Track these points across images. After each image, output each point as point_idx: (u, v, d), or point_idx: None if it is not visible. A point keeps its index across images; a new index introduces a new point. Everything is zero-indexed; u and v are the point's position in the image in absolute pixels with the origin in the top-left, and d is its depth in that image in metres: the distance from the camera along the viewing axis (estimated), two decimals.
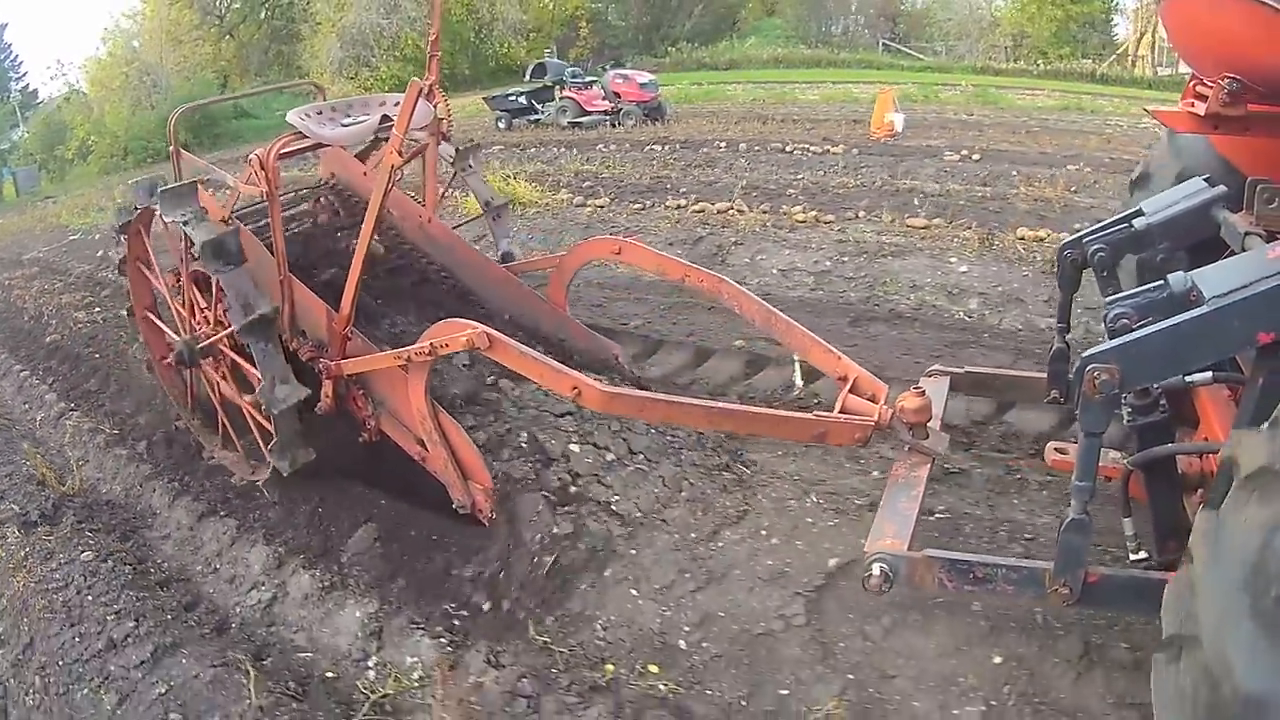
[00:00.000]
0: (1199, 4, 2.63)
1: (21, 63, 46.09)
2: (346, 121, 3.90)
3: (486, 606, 3.30)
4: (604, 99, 18.61)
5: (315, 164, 5.88)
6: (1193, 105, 2.81)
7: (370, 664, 3.11)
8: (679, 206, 8.93)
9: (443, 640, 3.12)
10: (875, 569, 2.49)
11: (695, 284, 3.99)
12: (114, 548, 4.07)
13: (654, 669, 2.95)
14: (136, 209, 4.18)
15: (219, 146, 28.04)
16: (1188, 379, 2.58)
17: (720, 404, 3.76)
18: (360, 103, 4.11)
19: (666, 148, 13.59)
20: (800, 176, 10.08)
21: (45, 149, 33.95)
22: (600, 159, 12.98)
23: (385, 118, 3.63)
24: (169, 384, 4.82)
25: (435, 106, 3.86)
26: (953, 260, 6.55)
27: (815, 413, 3.18)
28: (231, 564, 3.84)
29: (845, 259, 6.75)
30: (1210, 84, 2.64)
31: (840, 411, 3.09)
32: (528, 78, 21.37)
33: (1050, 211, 7.80)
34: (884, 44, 39.71)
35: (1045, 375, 3.26)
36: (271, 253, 3.80)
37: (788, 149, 12.04)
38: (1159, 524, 2.63)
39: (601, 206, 9.55)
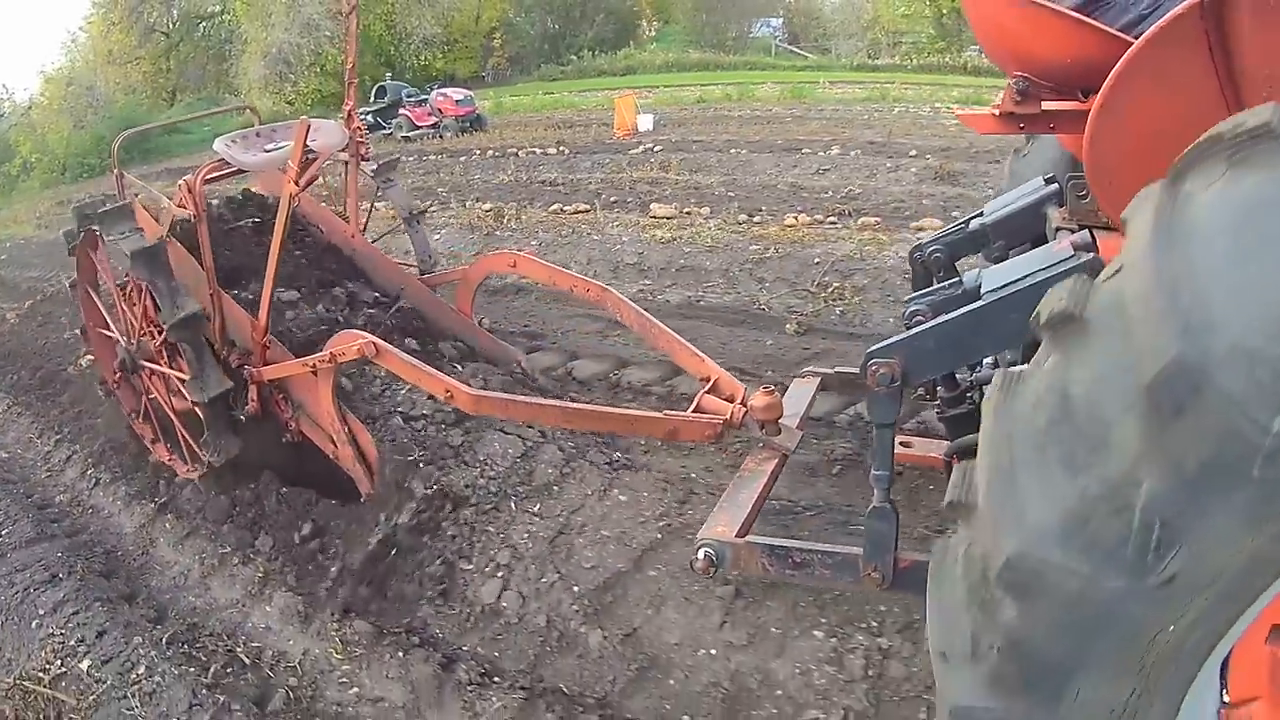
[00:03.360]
0: (985, 4, 2.64)
1: None
2: (269, 148, 4.25)
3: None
4: (430, 115, 21.76)
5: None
6: (998, 106, 2.85)
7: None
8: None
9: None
10: (701, 554, 2.65)
11: (582, 294, 4.32)
12: None
13: None
14: (81, 232, 4.45)
15: (149, 161, 30.67)
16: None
17: (577, 405, 4.14)
18: (285, 128, 4.37)
19: (449, 156, 16.80)
20: (499, 177, 13.19)
21: None
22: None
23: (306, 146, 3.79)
24: (122, 397, 5.03)
25: (352, 130, 4.67)
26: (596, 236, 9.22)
27: (666, 411, 3.39)
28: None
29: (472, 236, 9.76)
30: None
31: (696, 410, 3.29)
32: (373, 99, 24.46)
33: (664, 189, 11.05)
34: (776, 46, 42.56)
35: None
36: (203, 268, 4.06)
37: (521, 152, 15.13)
38: None
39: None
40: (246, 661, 3.38)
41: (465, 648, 3.37)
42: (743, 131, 16.04)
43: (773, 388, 3.15)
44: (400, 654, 3.25)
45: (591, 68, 38.63)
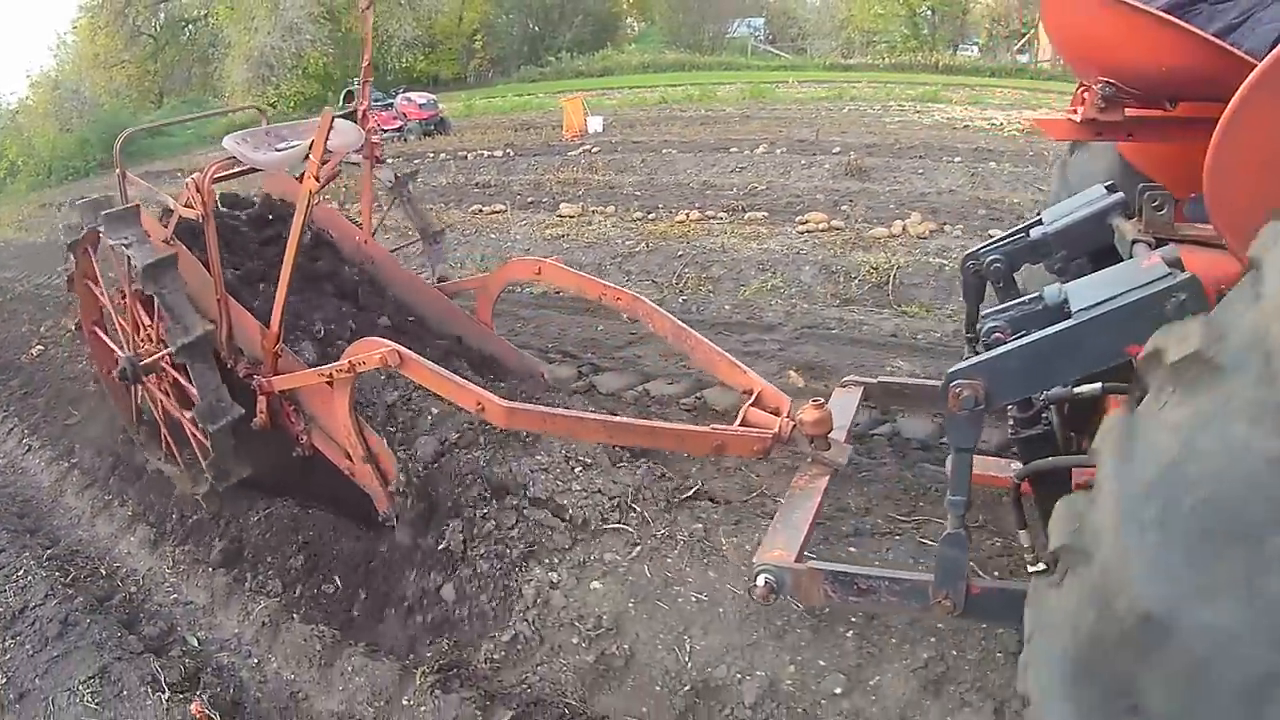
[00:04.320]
0: (1073, 7, 2.57)
1: None
2: (280, 146, 4.10)
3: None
4: (395, 119, 22.47)
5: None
6: (1074, 111, 2.79)
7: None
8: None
9: None
10: (760, 580, 2.54)
11: (612, 302, 4.15)
12: None
13: None
14: (84, 229, 4.28)
15: (134, 162, 31.37)
16: (1076, 392, 2.40)
17: (620, 419, 3.89)
18: (295, 127, 4.29)
19: (404, 159, 17.57)
20: (438, 180, 14.06)
21: None
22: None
23: (306, 149, 3.63)
24: (115, 397, 4.97)
25: (366, 130, 4.46)
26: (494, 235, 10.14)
27: (713, 426, 3.23)
28: None
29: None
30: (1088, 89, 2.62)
31: (741, 424, 3.20)
32: (341, 104, 25.19)
33: (580, 190, 11.90)
34: (753, 46, 43.36)
35: None
36: (210, 273, 3.91)
37: (470, 155, 15.99)
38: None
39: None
40: (104, 573, 4.32)
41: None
42: (685, 132, 16.83)
43: (821, 400, 3.07)
44: (208, 569, 4.15)
45: (570, 69, 39.28)
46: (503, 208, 11.25)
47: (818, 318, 6.55)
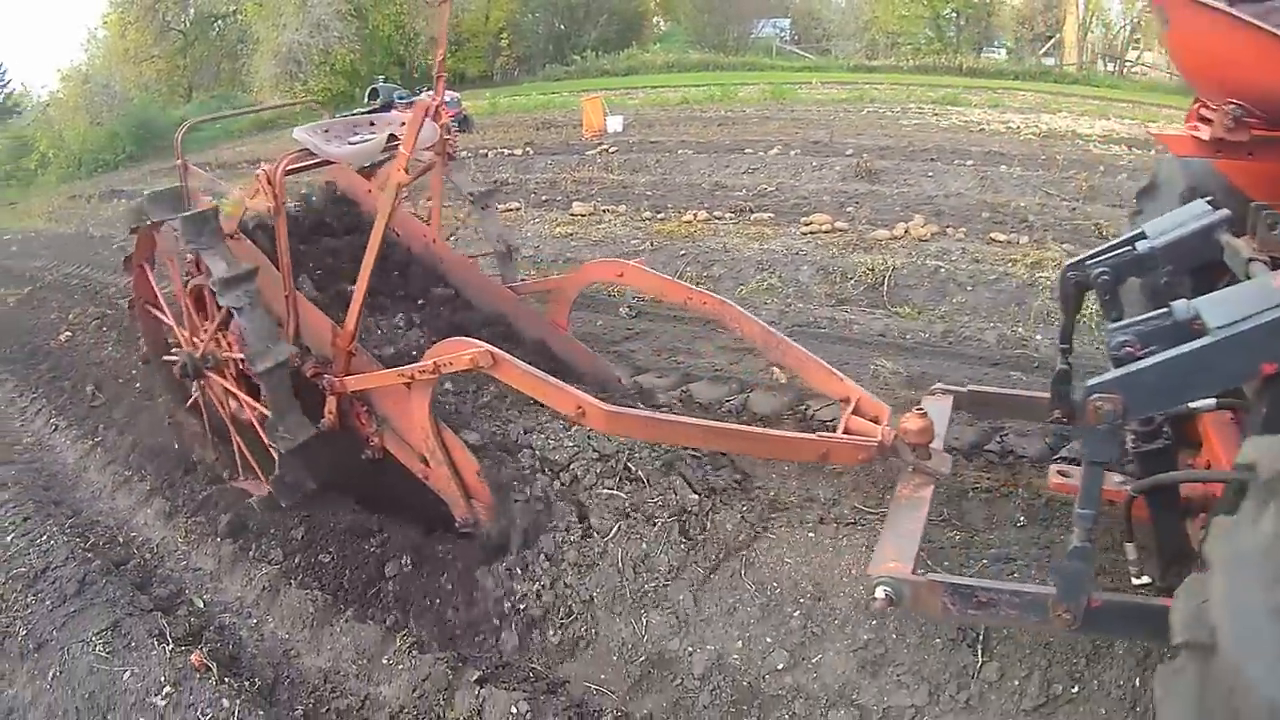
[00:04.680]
0: (1204, 28, 2.59)
1: (4, 69, 49.73)
2: (354, 139, 3.99)
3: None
4: None
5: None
6: (1196, 128, 2.83)
7: None
8: None
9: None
10: (880, 593, 2.54)
11: (698, 307, 4.09)
12: None
13: None
14: (149, 219, 4.11)
15: (163, 156, 31.98)
16: (1191, 406, 2.47)
17: (724, 425, 3.82)
18: (365, 120, 4.21)
19: None
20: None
21: (12, 160, 38.29)
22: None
23: (392, 136, 3.69)
24: (164, 379, 4.87)
25: (440, 126, 4.25)
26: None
27: (819, 434, 3.23)
28: None
29: None
30: (1214, 108, 2.65)
31: (843, 432, 3.21)
32: (366, 100, 25.61)
33: (594, 189, 12.12)
34: (778, 46, 43.39)
35: (1048, 395, 3.29)
36: (277, 267, 3.85)
37: (490, 153, 16.22)
38: (1162, 549, 2.65)
39: None
40: (121, 541, 4.62)
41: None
42: (703, 132, 17.01)
43: (924, 409, 3.09)
44: (216, 540, 4.43)
45: (595, 68, 39.33)
46: (518, 206, 11.47)
47: (810, 316, 6.75)
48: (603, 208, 10.89)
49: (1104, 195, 10.45)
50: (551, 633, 3.47)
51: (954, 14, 39.95)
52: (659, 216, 10.28)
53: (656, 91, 28.85)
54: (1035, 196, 10.31)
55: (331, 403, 3.91)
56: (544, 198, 11.93)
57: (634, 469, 3.90)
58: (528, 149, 16.12)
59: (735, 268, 8.04)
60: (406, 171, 3.45)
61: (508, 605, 3.54)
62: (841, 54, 40.56)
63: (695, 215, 10.00)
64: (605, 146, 15.57)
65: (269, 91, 38.42)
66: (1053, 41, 37.78)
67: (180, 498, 4.89)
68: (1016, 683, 2.91)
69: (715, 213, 10.17)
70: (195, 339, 4.21)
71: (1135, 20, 36.63)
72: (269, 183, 3.68)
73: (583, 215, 10.61)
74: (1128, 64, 36.33)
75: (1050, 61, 36.76)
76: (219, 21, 43.75)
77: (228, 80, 42.79)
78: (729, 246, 8.55)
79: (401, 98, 20.46)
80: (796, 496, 3.94)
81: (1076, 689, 2.86)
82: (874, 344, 6.07)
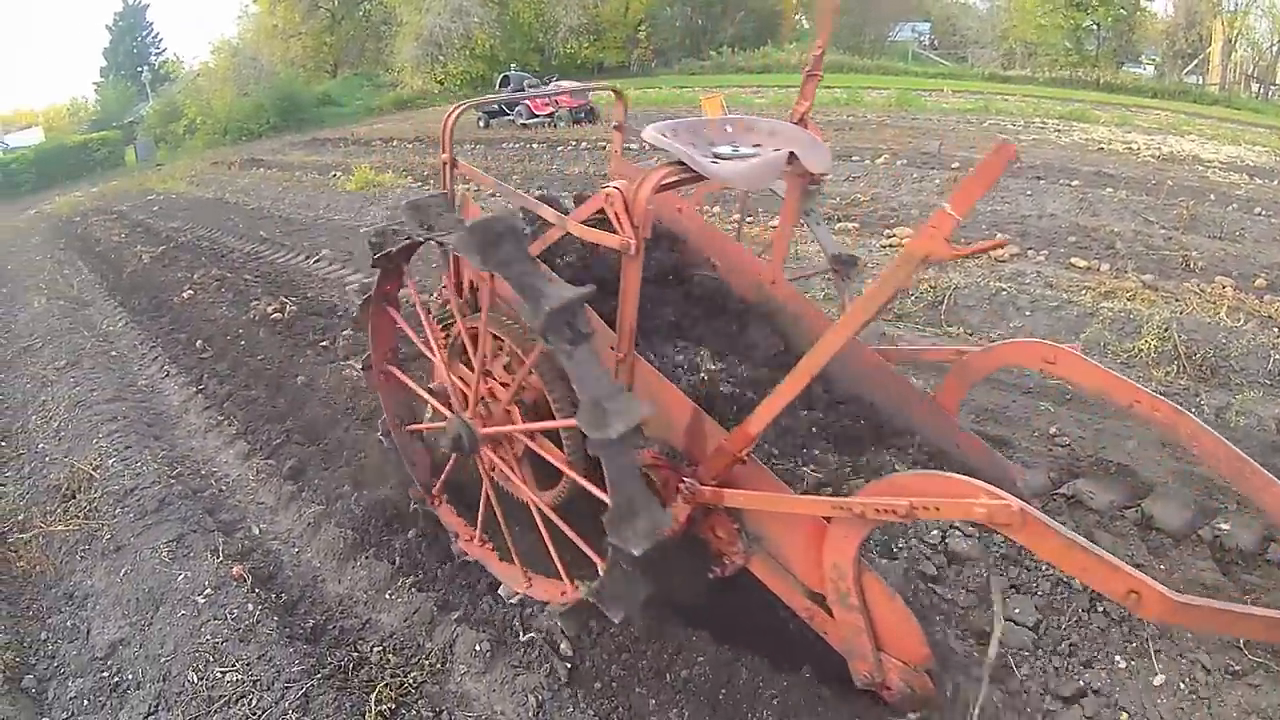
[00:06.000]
0: None
1: (161, 39, 53.89)
2: (721, 150, 2.97)
3: None
4: (547, 105, 23.63)
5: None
6: None
7: None
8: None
9: None
10: None
11: (1146, 413, 3.21)
12: None
13: None
14: (403, 239, 3.12)
15: (300, 129, 33.83)
16: None
17: None
18: (720, 125, 3.16)
19: (549, 146, 18.79)
20: (572, 169, 15.11)
21: (163, 124, 41.02)
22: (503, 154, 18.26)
23: (792, 155, 2.90)
24: (405, 453, 3.94)
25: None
26: None
27: None
28: None
29: None
30: None
31: None
32: (497, 87, 26.53)
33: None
34: (915, 51, 42.90)
35: None
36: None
37: (607, 146, 16.69)
38: None
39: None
40: (203, 474, 5.29)
41: None
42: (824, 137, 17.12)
43: None
44: (278, 479, 5.03)
45: (730, 64, 39.79)
46: None
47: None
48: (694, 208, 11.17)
49: (1205, 225, 10.20)
50: None
51: (1095, 26, 38.82)
52: (748, 220, 10.46)
53: (786, 92, 28.69)
54: (1132, 222, 10.17)
55: (681, 508, 2.98)
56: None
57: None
58: (644, 144, 16.49)
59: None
60: (948, 243, 2.13)
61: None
62: (977, 62, 39.90)
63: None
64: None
65: (410, 72, 40.10)
66: (1198, 60, 36.28)
67: (259, 442, 5.53)
68: None
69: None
70: (472, 397, 3.25)
71: None
72: (625, 210, 2.64)
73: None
74: (1274, 86, 34.60)
75: (1194, 80, 35.34)
76: (365, 2, 45.77)
77: (371, 59, 44.78)
78: (802, 255, 8.75)
79: (532, 86, 21.53)
80: None
81: None
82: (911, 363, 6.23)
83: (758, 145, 3.03)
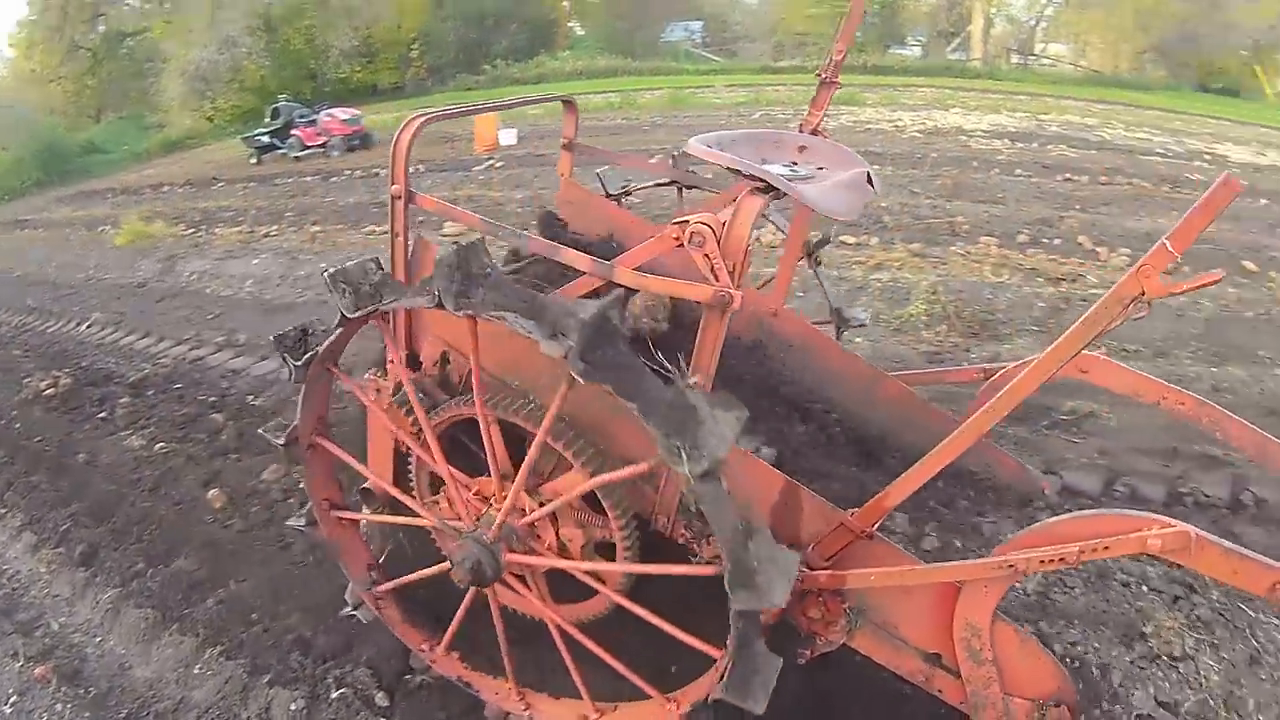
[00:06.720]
0: None
1: None
2: (800, 171, 2.62)
3: None
4: (319, 134, 23.20)
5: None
6: None
7: None
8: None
9: None
10: None
11: (1173, 406, 3.33)
12: None
13: None
14: (382, 298, 2.40)
15: (66, 182, 31.58)
16: None
17: None
18: (768, 137, 2.84)
19: (322, 177, 18.44)
20: (347, 199, 14.84)
21: None
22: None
23: (869, 177, 2.59)
24: (336, 545, 3.14)
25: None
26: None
27: None
28: None
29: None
30: None
31: None
32: (268, 120, 25.83)
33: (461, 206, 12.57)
34: (687, 50, 44.02)
35: None
36: None
37: (383, 172, 16.54)
38: None
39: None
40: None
41: None
42: (593, 142, 17.12)
43: None
44: (70, 568, 4.84)
45: (505, 76, 39.49)
46: (386, 229, 11.81)
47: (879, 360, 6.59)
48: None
49: (969, 191, 10.97)
50: None
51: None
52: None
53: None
54: (899, 196, 10.76)
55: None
56: (420, 219, 12.31)
57: None
58: (419, 165, 16.47)
59: None
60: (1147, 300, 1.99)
61: None
62: (748, 57, 41.42)
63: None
64: (494, 162, 15.86)
65: (178, 110, 38.20)
66: (960, 38, 39.02)
67: (46, 531, 5.30)
68: None
69: None
70: (475, 506, 2.74)
71: (1040, 13, 38.10)
72: (718, 248, 2.14)
73: (450, 236, 10.91)
74: (1032, 57, 37.65)
75: (958, 57, 37.93)
76: (128, 39, 43.32)
77: (137, 100, 42.41)
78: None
79: (301, 115, 20.90)
80: None
81: None
82: None
83: (824, 168, 2.65)
